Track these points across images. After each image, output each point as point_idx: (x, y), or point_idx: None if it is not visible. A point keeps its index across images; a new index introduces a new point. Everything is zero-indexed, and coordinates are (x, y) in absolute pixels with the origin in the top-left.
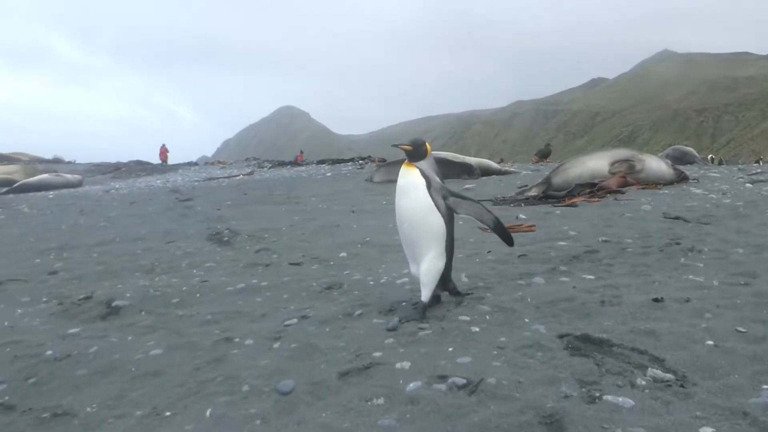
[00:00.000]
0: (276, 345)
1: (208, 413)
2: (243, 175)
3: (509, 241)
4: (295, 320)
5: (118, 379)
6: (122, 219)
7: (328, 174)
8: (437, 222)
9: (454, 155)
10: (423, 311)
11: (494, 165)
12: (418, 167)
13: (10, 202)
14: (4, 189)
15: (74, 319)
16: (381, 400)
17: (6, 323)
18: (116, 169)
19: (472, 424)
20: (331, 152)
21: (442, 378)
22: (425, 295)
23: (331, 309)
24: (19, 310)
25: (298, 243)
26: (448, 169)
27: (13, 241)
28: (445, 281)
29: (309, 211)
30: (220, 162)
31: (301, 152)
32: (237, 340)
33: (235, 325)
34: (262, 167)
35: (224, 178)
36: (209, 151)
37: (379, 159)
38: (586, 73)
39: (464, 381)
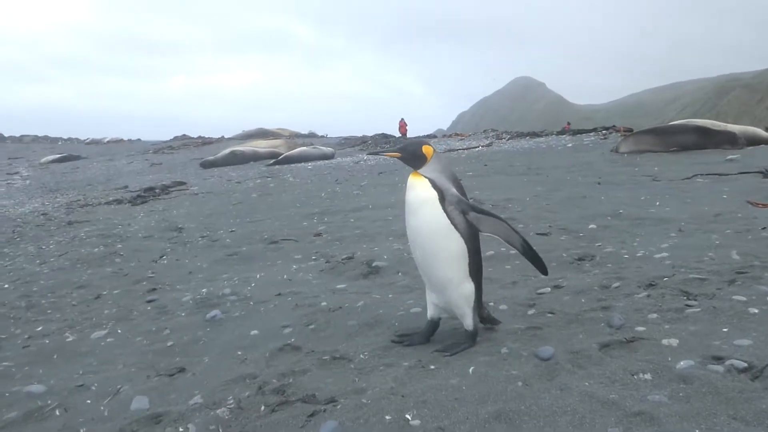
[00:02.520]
0: (530, 312)
1: (470, 370)
2: (482, 146)
3: (542, 269)
4: (548, 289)
5: (384, 332)
6: (372, 188)
7: (569, 145)
8: (456, 244)
9: (714, 123)
10: (473, 338)
11: (763, 133)
12: (426, 176)
13: (277, 173)
14: (271, 161)
15: (341, 276)
16: (648, 375)
17: (285, 276)
18: (363, 142)
19: (759, 411)
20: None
21: (718, 359)
22: (470, 324)
23: (585, 280)
24: (294, 266)
25: (544, 213)
26: (706, 139)
27: (284, 206)
28: (477, 306)
29: (552, 181)
30: (457, 134)
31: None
32: (491, 304)
33: (487, 290)
34: (501, 139)
35: (463, 149)
36: (444, 125)
37: (625, 128)
38: None
39: (745, 364)
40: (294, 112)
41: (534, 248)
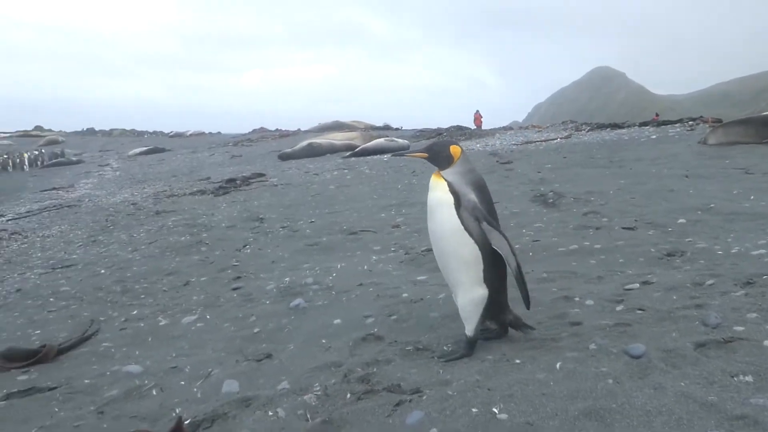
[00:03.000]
0: (618, 308)
1: (557, 366)
2: (560, 138)
3: (525, 299)
4: (636, 285)
5: None
6: None
7: (653, 136)
8: (469, 249)
9: None
10: (470, 346)
11: None
12: (447, 179)
13: (354, 165)
14: (348, 153)
15: (421, 267)
16: (749, 378)
17: (365, 267)
18: (438, 134)
19: None
20: (649, 114)
21: None
22: (470, 330)
23: (675, 277)
24: (374, 257)
25: (629, 207)
26: None
27: (361, 198)
28: (495, 312)
29: (636, 174)
30: (534, 126)
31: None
32: (577, 299)
33: (572, 284)
34: (580, 130)
35: (541, 141)
36: (519, 116)
37: (713, 119)
38: None
39: None
40: (368, 105)
41: (524, 279)
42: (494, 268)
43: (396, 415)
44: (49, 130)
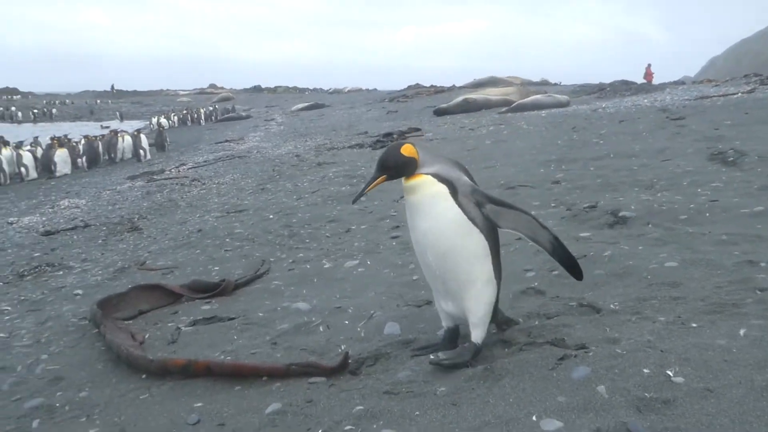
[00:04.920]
0: None
1: (741, 332)
2: (741, 92)
3: (576, 273)
4: None
5: (635, 284)
6: (613, 136)
7: None
8: (477, 242)
9: None
10: (474, 353)
11: None
12: (427, 173)
13: (510, 120)
14: (504, 109)
15: (583, 224)
16: None
17: None
18: (600, 90)
19: None
20: None
21: None
22: (479, 338)
23: None
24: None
25: None
26: None
27: (519, 153)
28: (496, 311)
29: None
30: (709, 80)
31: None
32: (763, 264)
33: (757, 248)
34: (766, 84)
35: (718, 96)
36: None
37: None
38: None
39: None
40: (523, 60)
41: (567, 248)
42: (498, 257)
43: (560, 369)
44: (222, 88)
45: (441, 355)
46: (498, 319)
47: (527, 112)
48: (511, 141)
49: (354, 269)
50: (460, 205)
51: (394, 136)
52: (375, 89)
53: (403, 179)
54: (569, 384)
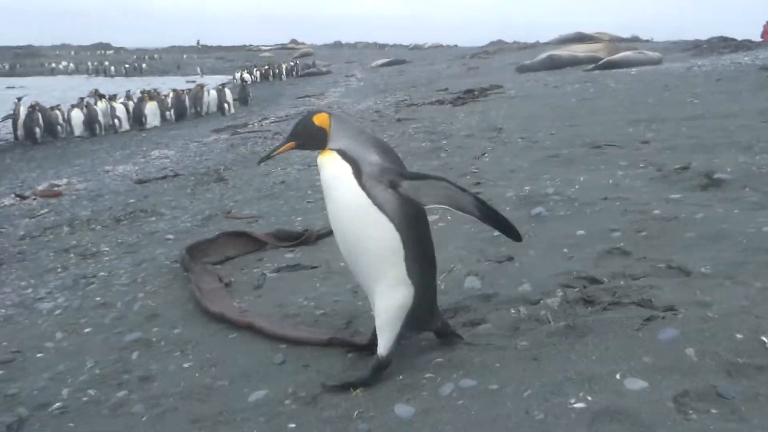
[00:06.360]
0: None
1: None
2: None
3: (512, 233)
4: None
5: (729, 248)
6: (709, 95)
7: None
8: (384, 232)
9: None
10: (376, 371)
11: None
12: (334, 149)
13: (597, 78)
14: (591, 66)
15: (674, 186)
16: None
17: (610, 181)
18: (696, 47)
19: None
20: None
21: None
22: (383, 348)
23: None
24: (620, 172)
25: None
26: None
27: (605, 112)
28: (422, 319)
29: None
30: None
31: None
32: None
33: None
34: None
35: None
36: None
37: None
38: None
39: None
40: (613, 15)
41: (494, 209)
42: (418, 255)
43: (646, 330)
44: (303, 44)
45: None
46: (435, 327)
47: (615, 70)
48: (598, 99)
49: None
50: (363, 188)
51: (475, 92)
52: (455, 45)
53: (318, 156)
54: (655, 345)
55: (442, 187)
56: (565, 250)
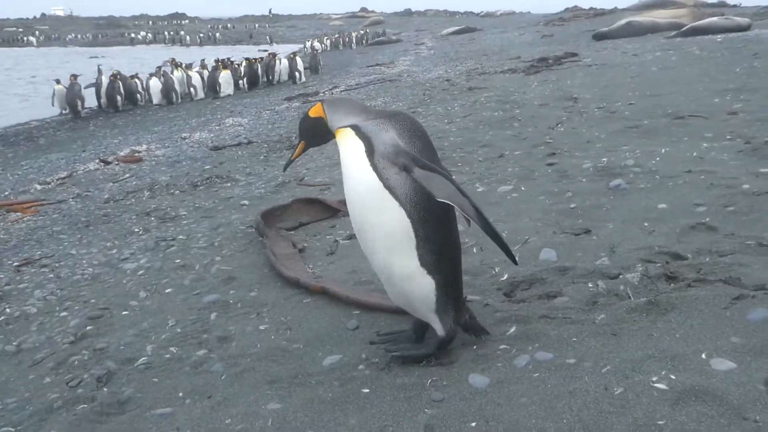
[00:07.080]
0: None
1: None
2: None
3: (507, 253)
4: None
5: None
6: None
7: None
8: (397, 220)
9: None
10: (440, 347)
11: None
12: (348, 126)
13: (680, 45)
14: (673, 33)
15: (765, 159)
16: None
17: (694, 154)
18: None
19: None
20: None
21: None
22: (439, 329)
23: None
24: (705, 144)
25: None
26: None
27: (689, 81)
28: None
29: None
30: None
31: None
32: None
33: None
34: None
35: None
36: None
37: None
38: None
39: None
40: None
41: (493, 227)
42: (433, 243)
43: (734, 309)
44: (372, 12)
45: (387, 346)
46: (462, 321)
47: (699, 37)
48: (680, 68)
49: (508, 194)
50: (375, 169)
51: (549, 60)
52: (528, 12)
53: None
54: (745, 325)
55: (447, 186)
56: (646, 224)
